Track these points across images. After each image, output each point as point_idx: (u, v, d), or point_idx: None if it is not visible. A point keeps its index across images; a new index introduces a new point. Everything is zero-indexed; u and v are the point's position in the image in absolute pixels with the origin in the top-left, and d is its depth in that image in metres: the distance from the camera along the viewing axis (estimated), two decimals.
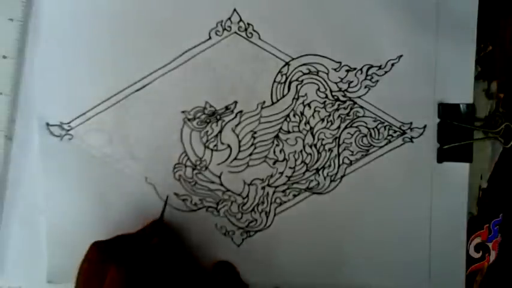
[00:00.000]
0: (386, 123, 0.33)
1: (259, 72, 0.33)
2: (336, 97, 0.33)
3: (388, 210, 0.33)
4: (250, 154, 0.33)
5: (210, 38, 0.33)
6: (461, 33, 0.33)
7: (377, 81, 0.33)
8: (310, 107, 0.33)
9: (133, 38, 0.33)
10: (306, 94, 0.33)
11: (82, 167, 0.33)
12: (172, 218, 0.33)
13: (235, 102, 0.33)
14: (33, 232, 0.33)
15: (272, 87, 0.33)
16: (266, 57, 0.33)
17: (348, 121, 0.33)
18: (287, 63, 0.33)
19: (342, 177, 0.34)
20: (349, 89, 0.33)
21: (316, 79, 0.33)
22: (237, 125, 0.33)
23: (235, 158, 0.33)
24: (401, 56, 0.33)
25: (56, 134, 0.33)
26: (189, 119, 0.33)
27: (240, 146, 0.33)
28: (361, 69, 0.33)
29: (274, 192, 0.33)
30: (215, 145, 0.33)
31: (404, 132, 0.33)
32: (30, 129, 0.33)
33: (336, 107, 0.33)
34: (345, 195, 0.33)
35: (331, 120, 0.33)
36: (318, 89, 0.33)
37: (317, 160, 0.33)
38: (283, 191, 0.34)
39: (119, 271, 0.24)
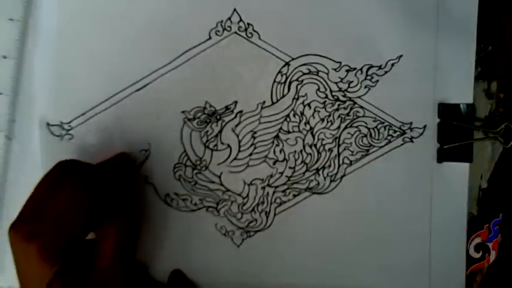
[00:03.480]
0: (386, 123, 0.33)
1: (259, 72, 0.33)
2: (336, 97, 0.33)
3: (388, 210, 0.33)
4: (250, 154, 0.33)
5: (210, 38, 0.33)
6: (461, 33, 0.33)
7: (377, 81, 0.33)
8: (310, 107, 0.33)
9: (133, 38, 0.33)
10: (306, 94, 0.33)
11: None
12: (172, 218, 0.33)
13: (235, 102, 0.33)
14: None
15: (272, 87, 0.33)
16: (266, 57, 0.33)
17: (348, 121, 0.33)
18: (287, 63, 0.33)
19: (342, 177, 0.34)
20: (349, 89, 0.33)
21: (316, 79, 0.33)
22: (237, 125, 0.33)
23: (235, 158, 0.33)
24: (401, 56, 0.33)
25: (56, 133, 0.33)
26: (189, 119, 0.33)
27: (240, 146, 0.33)
28: (361, 69, 0.33)
29: (274, 192, 0.33)
30: (215, 145, 0.33)
31: (404, 132, 0.33)
32: (30, 129, 0.33)
33: (336, 107, 0.33)
34: (345, 195, 0.33)
35: (331, 120, 0.33)
36: (318, 89, 0.33)
37: (317, 160, 0.33)
38: (283, 191, 0.34)
39: (77, 183, 0.24)
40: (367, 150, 0.33)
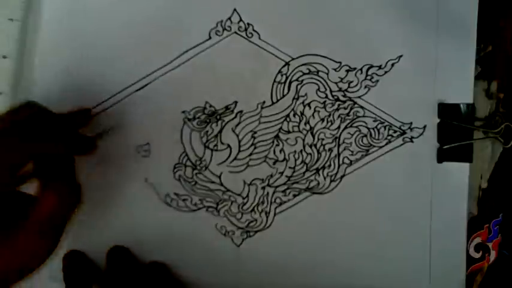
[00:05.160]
0: (386, 123, 0.33)
1: (259, 72, 0.33)
2: (336, 97, 0.33)
3: (388, 210, 0.33)
4: (250, 154, 0.33)
5: (210, 38, 0.33)
6: (461, 33, 0.33)
7: (377, 81, 0.33)
8: (310, 107, 0.33)
9: (133, 38, 0.33)
10: (306, 94, 0.33)
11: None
12: (172, 218, 0.33)
13: (235, 102, 0.33)
14: None
15: (272, 87, 0.33)
16: (266, 57, 0.33)
17: (348, 121, 0.33)
18: (287, 63, 0.33)
19: (342, 177, 0.34)
20: (349, 89, 0.33)
21: (316, 79, 0.33)
22: (237, 125, 0.33)
23: (235, 158, 0.33)
24: (401, 56, 0.33)
25: None
26: (189, 119, 0.33)
27: (240, 146, 0.33)
28: (361, 69, 0.33)
29: (274, 192, 0.33)
30: (215, 145, 0.33)
31: (404, 132, 0.33)
32: None
33: (336, 107, 0.33)
34: (345, 195, 0.33)
35: (331, 120, 0.33)
36: (318, 89, 0.33)
37: (317, 160, 0.33)
38: (283, 191, 0.33)
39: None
40: (367, 150, 0.33)
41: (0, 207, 0.22)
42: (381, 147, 0.33)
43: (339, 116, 0.33)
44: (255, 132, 0.33)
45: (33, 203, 0.24)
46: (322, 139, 0.33)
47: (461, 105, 0.33)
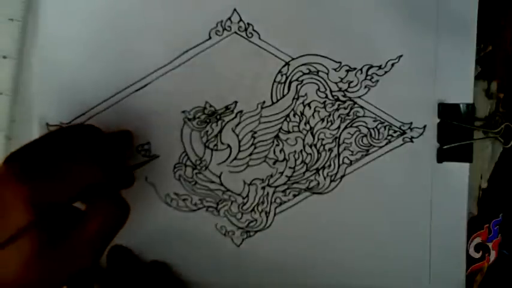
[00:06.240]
0: (386, 123, 0.33)
1: (259, 72, 0.33)
2: (336, 97, 0.33)
3: (388, 210, 0.33)
4: (250, 154, 0.33)
5: (210, 38, 0.33)
6: (461, 33, 0.33)
7: (377, 81, 0.33)
8: (310, 107, 0.33)
9: (133, 38, 0.33)
10: (306, 94, 0.33)
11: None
12: (172, 218, 0.33)
13: (235, 102, 0.33)
14: None
15: (272, 87, 0.33)
16: (266, 57, 0.33)
17: (348, 121, 0.33)
18: (287, 63, 0.33)
19: (342, 177, 0.34)
20: (349, 89, 0.33)
21: (316, 79, 0.33)
22: (237, 125, 0.33)
23: (235, 158, 0.33)
24: (401, 56, 0.33)
25: None
26: (189, 119, 0.33)
27: (240, 146, 0.33)
28: (361, 69, 0.33)
29: (274, 192, 0.33)
30: (215, 145, 0.33)
31: (404, 132, 0.33)
32: (30, 129, 0.33)
33: (336, 107, 0.33)
34: (345, 195, 0.33)
35: (331, 120, 0.33)
36: (318, 89, 0.33)
37: (317, 160, 0.33)
38: (283, 191, 0.34)
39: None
40: (367, 150, 0.33)
41: (54, 219, 0.23)
42: (381, 147, 0.33)
43: (339, 116, 0.33)
44: (255, 132, 0.33)
45: (82, 218, 0.24)
46: (322, 139, 0.33)
47: (461, 105, 0.33)
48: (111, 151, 0.27)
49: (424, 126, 0.33)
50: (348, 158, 0.33)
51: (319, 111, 0.33)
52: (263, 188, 0.33)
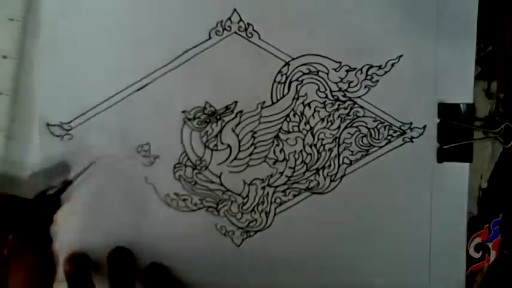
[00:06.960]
0: (386, 123, 0.33)
1: (259, 72, 0.33)
2: (336, 97, 0.33)
3: (388, 210, 0.33)
4: (250, 154, 0.33)
5: (210, 38, 0.33)
6: (461, 33, 0.33)
7: (377, 81, 0.33)
8: (310, 107, 0.33)
9: (133, 38, 0.33)
10: (306, 94, 0.33)
11: (82, 167, 0.33)
12: (172, 218, 0.33)
13: (235, 102, 0.33)
14: None
15: (272, 87, 0.33)
16: (266, 57, 0.33)
17: (348, 121, 0.33)
18: (287, 63, 0.33)
19: (342, 177, 0.34)
20: (349, 89, 0.33)
21: (316, 79, 0.33)
22: (237, 125, 0.33)
23: (235, 158, 0.33)
24: (401, 56, 0.33)
25: (56, 134, 0.33)
26: (189, 119, 0.33)
27: (240, 146, 0.33)
28: (361, 69, 0.33)
29: (274, 192, 0.33)
30: (215, 145, 0.33)
31: (404, 132, 0.33)
32: (30, 129, 0.33)
33: (336, 107, 0.33)
34: (345, 195, 0.33)
35: (331, 120, 0.33)
36: (318, 89, 0.33)
37: (317, 160, 0.33)
38: (283, 191, 0.34)
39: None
40: (367, 150, 0.33)
41: None
42: (381, 147, 0.33)
43: (339, 116, 0.33)
44: (255, 132, 0.33)
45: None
46: (322, 139, 0.33)
47: (461, 105, 0.33)
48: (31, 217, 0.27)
49: (424, 126, 0.33)
50: (348, 158, 0.33)
51: (319, 111, 0.33)
52: (263, 188, 0.33)
